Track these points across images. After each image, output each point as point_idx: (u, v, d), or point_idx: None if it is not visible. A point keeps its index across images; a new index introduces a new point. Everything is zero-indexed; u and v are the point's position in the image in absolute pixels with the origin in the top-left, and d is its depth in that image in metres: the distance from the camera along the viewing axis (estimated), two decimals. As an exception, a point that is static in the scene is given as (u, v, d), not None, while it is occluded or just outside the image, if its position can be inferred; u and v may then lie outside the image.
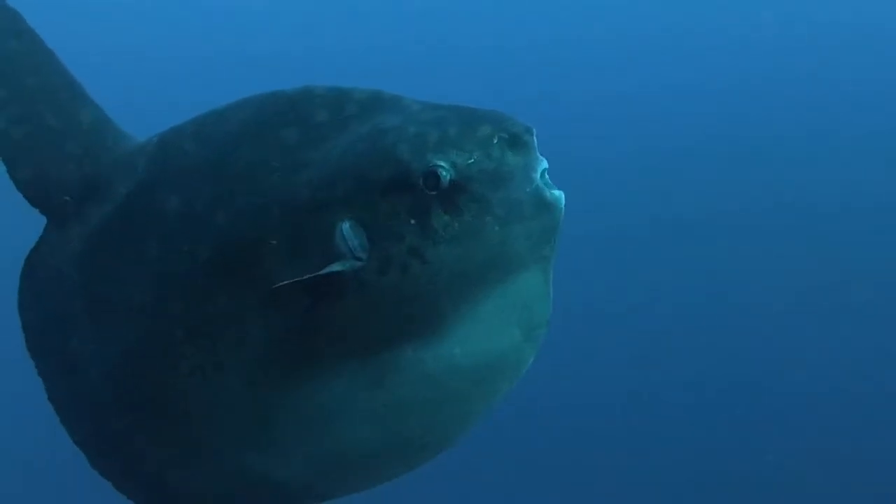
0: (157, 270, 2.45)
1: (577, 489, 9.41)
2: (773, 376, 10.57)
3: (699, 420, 10.20)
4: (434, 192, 2.22)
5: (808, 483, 9.11)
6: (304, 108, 2.37)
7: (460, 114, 2.30)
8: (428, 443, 2.43)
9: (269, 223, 2.32)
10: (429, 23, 17.68)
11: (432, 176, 2.22)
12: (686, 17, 16.87)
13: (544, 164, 2.28)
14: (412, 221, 2.23)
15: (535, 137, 2.28)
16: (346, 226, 2.26)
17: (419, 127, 2.27)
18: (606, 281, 12.07)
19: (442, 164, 2.22)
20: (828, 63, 15.64)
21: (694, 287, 12.16)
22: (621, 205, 13.36)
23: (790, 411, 10.12)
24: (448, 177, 2.22)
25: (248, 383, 2.39)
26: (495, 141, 2.25)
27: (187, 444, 2.52)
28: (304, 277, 2.25)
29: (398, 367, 2.31)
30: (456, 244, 2.23)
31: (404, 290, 2.25)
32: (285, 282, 2.26)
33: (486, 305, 2.27)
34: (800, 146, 14.03)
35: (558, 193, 2.28)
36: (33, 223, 2.69)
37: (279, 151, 2.36)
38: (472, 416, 2.41)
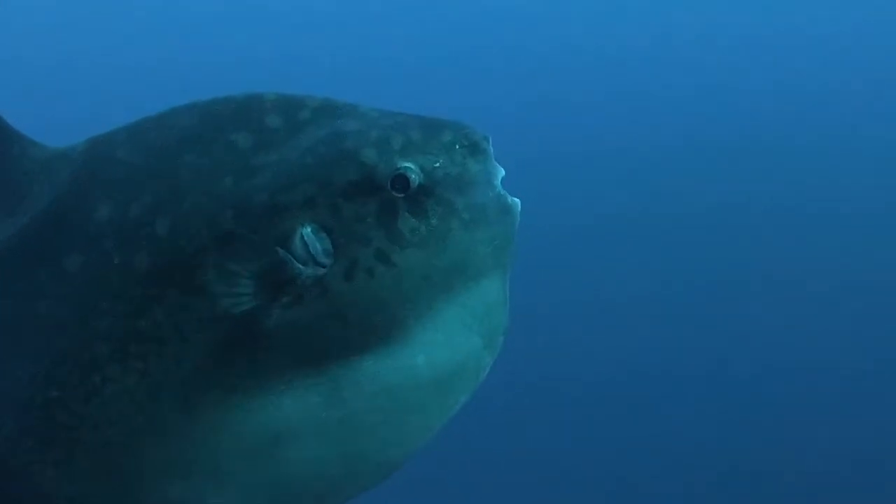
0: (80, 283, 2.27)
1: (570, 489, 9.39)
2: (771, 376, 10.73)
3: (696, 419, 10.27)
4: (402, 196, 2.21)
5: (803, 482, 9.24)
6: (256, 113, 2.30)
7: (420, 120, 2.31)
8: (384, 460, 2.33)
9: (221, 229, 2.20)
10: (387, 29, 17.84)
11: (401, 179, 2.21)
12: (689, 16, 17.28)
13: (502, 171, 2.33)
14: (379, 225, 2.20)
15: (491, 146, 2.32)
16: (307, 230, 2.19)
17: (382, 131, 2.26)
18: (601, 277, 12.20)
19: (411, 166, 2.22)
20: (830, 64, 16.15)
21: (691, 285, 12.33)
22: (623, 203, 13.58)
23: (789, 411, 10.26)
24: (417, 180, 2.22)
25: (185, 406, 2.23)
26: (457, 147, 2.28)
27: (106, 476, 2.31)
28: (267, 257, 2.16)
29: (356, 378, 2.22)
30: (423, 248, 2.21)
31: (369, 296, 2.19)
32: (235, 268, 2.17)
33: (449, 312, 2.25)
34: (800, 146, 14.44)
35: (517, 200, 2.31)
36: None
37: (230, 156, 2.26)
38: (430, 428, 2.34)
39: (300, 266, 2.18)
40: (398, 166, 2.22)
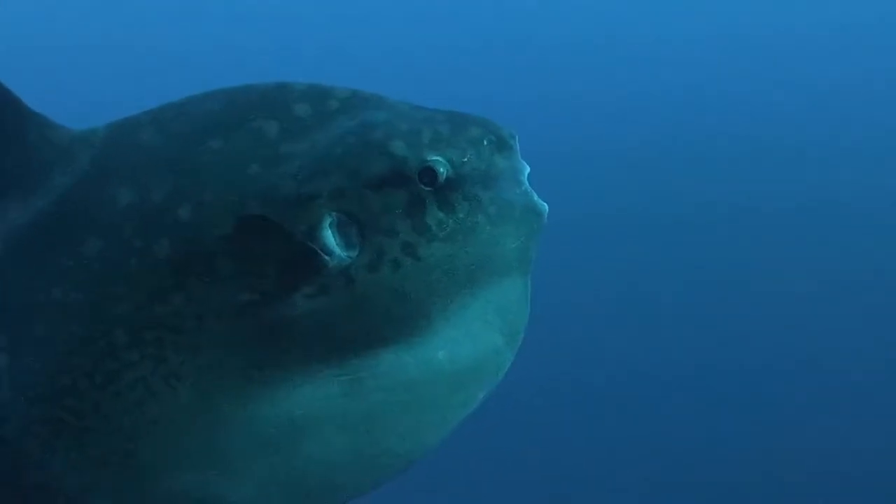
0: (98, 269, 2.23)
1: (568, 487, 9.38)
2: (773, 375, 10.74)
3: (696, 418, 10.27)
4: (430, 189, 2.21)
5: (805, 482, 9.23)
6: (283, 101, 2.28)
7: (448, 115, 2.31)
8: (400, 454, 2.31)
9: (246, 217, 2.17)
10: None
11: (429, 172, 2.21)
12: (694, 15, 17.37)
13: (527, 168, 2.33)
14: (406, 217, 2.19)
15: (517, 143, 2.32)
16: (334, 220, 2.18)
17: (411, 124, 2.25)
18: (606, 276, 12.22)
19: (440, 159, 2.21)
20: (832, 62, 16.24)
21: (696, 283, 12.36)
22: (629, 200, 13.63)
23: (794, 410, 10.27)
24: (445, 173, 2.21)
25: (201, 395, 2.20)
26: (485, 143, 2.28)
27: (116, 467, 2.27)
28: (293, 246, 2.14)
29: (377, 371, 2.20)
30: (449, 242, 2.20)
31: (394, 288, 2.17)
32: (259, 256, 2.14)
33: (472, 308, 2.24)
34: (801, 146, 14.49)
35: (544, 203, 2.32)
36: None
37: (256, 143, 2.23)
38: (448, 424, 2.32)
39: (325, 256, 2.16)
40: (427, 159, 2.21)
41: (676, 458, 9.69)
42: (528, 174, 2.33)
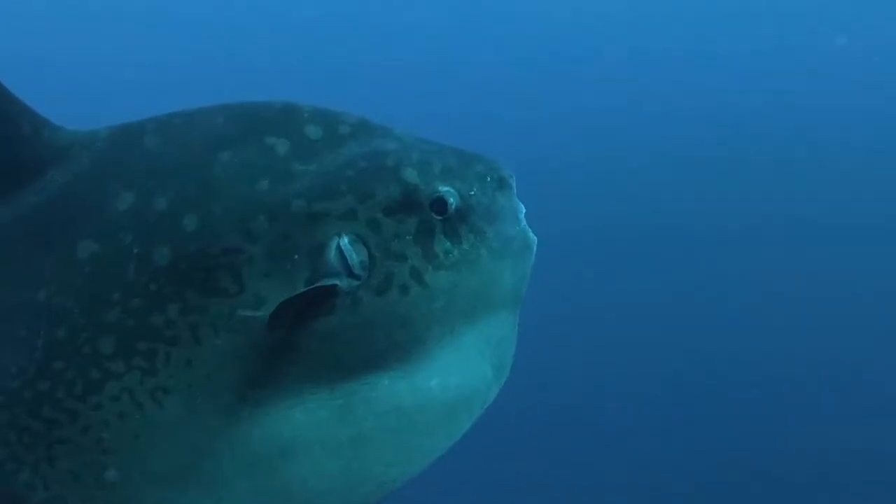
0: (90, 273, 2.16)
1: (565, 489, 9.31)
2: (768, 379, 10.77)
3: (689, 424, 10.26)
4: (440, 218, 2.25)
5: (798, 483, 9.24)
6: (294, 121, 2.29)
7: (454, 150, 2.37)
8: (385, 480, 2.29)
9: (252, 231, 2.16)
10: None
11: (440, 202, 2.25)
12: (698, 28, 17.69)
13: (524, 208, 2.40)
14: (416, 244, 2.22)
15: (515, 183, 2.40)
16: (345, 241, 2.18)
17: (422, 154, 2.30)
18: (602, 282, 12.25)
19: (450, 190, 2.27)
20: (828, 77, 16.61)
21: (690, 291, 12.41)
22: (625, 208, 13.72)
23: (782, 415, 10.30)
24: (455, 204, 2.26)
25: (189, 410, 2.15)
26: (488, 179, 2.34)
27: (91, 481, 2.18)
28: (306, 289, 2.12)
29: (370, 396, 2.20)
30: (454, 271, 2.24)
31: (398, 314, 2.19)
32: (290, 297, 2.11)
33: (467, 339, 2.27)
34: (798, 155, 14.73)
35: (535, 238, 2.39)
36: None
37: (268, 160, 2.23)
38: (435, 452, 2.33)
39: (333, 277, 2.15)
40: (439, 189, 2.26)
41: (681, 464, 9.67)
42: (525, 213, 2.39)
